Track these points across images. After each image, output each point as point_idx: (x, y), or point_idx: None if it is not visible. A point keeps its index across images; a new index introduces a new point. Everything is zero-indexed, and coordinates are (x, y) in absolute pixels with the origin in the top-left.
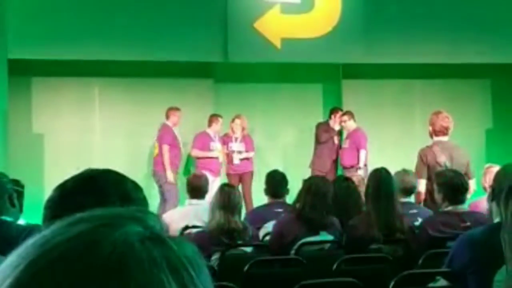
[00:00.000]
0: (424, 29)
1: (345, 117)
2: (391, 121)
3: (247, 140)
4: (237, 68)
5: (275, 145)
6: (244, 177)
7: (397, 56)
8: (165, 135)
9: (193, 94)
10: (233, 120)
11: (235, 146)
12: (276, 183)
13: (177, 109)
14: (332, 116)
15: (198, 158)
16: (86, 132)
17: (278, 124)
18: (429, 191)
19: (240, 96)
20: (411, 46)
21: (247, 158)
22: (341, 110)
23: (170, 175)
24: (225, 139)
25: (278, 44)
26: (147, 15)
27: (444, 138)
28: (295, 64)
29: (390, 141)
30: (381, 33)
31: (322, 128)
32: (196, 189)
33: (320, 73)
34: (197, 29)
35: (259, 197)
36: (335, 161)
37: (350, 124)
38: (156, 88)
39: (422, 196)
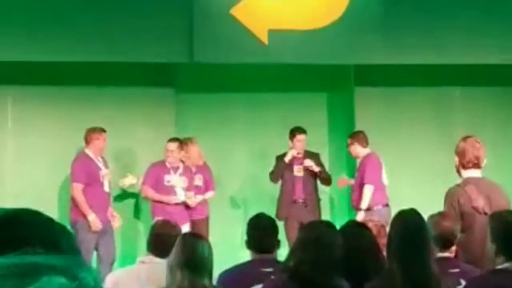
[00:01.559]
0: (465, 19)
1: (349, 141)
2: (422, 142)
3: (204, 172)
4: (207, 72)
5: (261, 177)
6: (197, 226)
7: (428, 56)
8: (77, 170)
9: (147, 108)
10: (182, 145)
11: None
12: (261, 232)
13: (101, 131)
14: (290, 141)
15: (154, 200)
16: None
17: (265, 148)
18: (463, 245)
19: (211, 111)
20: (446, 42)
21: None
22: (301, 130)
23: (92, 221)
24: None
25: (264, 38)
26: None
27: (477, 172)
28: (289, 66)
29: (421, 170)
30: (406, 25)
31: (277, 163)
32: (160, 243)
33: (324, 79)
34: (152, 20)
35: (236, 252)
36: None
37: (357, 150)
38: (94, 100)
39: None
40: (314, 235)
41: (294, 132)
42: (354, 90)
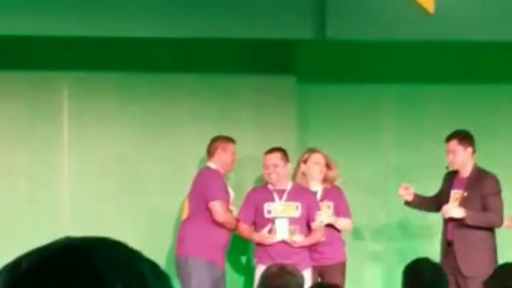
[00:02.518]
0: None
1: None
2: None
3: (334, 195)
4: (343, 54)
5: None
6: (328, 274)
7: None
8: (216, 185)
9: (256, 104)
10: (305, 160)
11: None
12: (422, 286)
13: (229, 140)
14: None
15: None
16: (45, 170)
17: (423, 162)
18: None
19: (347, 108)
20: None
21: (335, 228)
22: (450, 136)
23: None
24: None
25: (429, 4)
26: None
27: None
28: (463, 45)
29: None
30: None
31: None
32: None
33: None
34: None
35: None
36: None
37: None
38: (184, 93)
39: None
40: None
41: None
42: None
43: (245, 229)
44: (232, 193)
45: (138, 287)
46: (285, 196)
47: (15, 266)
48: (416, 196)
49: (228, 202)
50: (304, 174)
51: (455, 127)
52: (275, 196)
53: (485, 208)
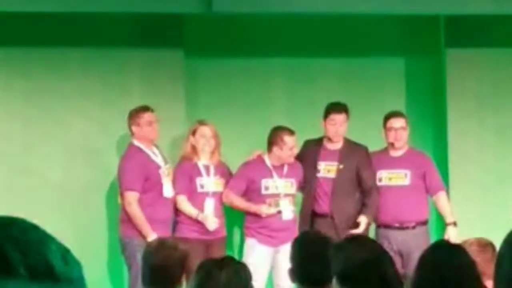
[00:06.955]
0: None
1: (403, 123)
2: None
3: (222, 172)
4: (231, 28)
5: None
6: (213, 247)
7: None
8: (128, 171)
9: (145, 78)
10: (193, 132)
11: (208, 183)
12: (312, 255)
13: (141, 111)
14: (323, 121)
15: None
16: None
17: (314, 136)
18: None
19: (236, 82)
20: None
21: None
22: (339, 108)
23: (148, 233)
24: (190, 169)
25: None
26: None
27: None
28: (351, 19)
29: None
30: None
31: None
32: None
33: (401, 37)
34: None
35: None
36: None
37: (405, 138)
38: (72, 68)
39: None
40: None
41: (329, 110)
42: (445, 54)
43: (239, 200)
44: (163, 166)
45: (43, 271)
46: (285, 171)
47: None
48: None
49: (152, 182)
50: (193, 147)
51: (345, 101)
52: (274, 172)
53: (359, 180)
